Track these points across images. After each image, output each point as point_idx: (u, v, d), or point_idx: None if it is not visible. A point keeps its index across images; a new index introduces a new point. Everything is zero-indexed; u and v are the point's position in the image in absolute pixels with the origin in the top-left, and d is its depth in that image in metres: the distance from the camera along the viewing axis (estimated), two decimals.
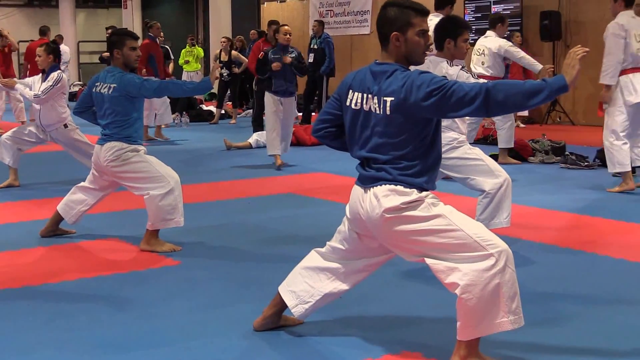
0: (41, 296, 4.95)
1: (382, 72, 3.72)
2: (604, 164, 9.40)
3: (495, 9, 16.15)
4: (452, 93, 3.52)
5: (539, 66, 9.52)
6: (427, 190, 3.72)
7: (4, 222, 7.12)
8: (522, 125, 14.76)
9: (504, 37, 10.22)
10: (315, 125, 4.16)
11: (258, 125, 13.32)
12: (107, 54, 16.83)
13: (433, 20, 9.79)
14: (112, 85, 6.03)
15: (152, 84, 6.14)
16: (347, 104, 3.84)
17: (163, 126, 14.34)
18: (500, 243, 3.53)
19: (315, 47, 15.39)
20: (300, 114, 16.09)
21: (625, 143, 8.08)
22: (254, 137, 12.59)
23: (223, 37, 17.24)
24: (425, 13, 3.77)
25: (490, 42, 9.92)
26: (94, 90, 6.17)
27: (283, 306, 4.23)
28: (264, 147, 12.23)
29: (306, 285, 4.13)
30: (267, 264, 5.67)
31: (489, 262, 3.48)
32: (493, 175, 5.63)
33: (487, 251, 3.49)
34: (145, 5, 32.14)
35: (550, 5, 15.54)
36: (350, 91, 3.83)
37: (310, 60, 15.34)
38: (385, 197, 3.67)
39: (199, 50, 21.13)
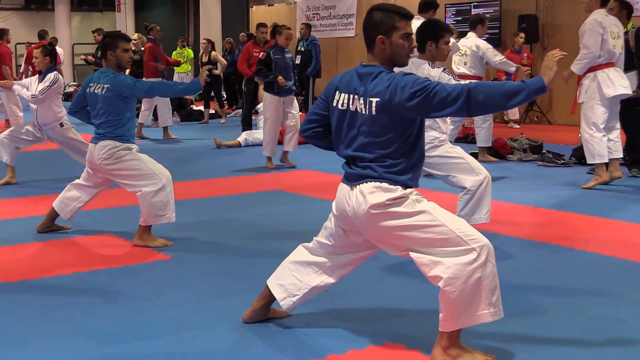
0: (38, 289, 4.92)
1: (367, 74, 3.73)
2: (579, 162, 9.47)
3: (475, 12, 16.16)
4: (435, 94, 3.53)
5: (514, 67, 9.53)
6: (411, 187, 3.73)
7: (2, 218, 7.09)
8: (515, 125, 14.74)
9: (484, 38, 10.22)
10: (303, 125, 4.17)
11: (247, 124, 13.33)
12: (91, 57, 16.91)
13: (415, 23, 9.83)
14: (106, 86, 6.01)
15: (144, 84, 6.12)
16: (334, 104, 3.85)
17: (153, 126, 14.38)
18: (481, 238, 3.55)
19: (302, 49, 15.39)
20: None
21: (605, 135, 8.12)
22: (243, 136, 12.57)
23: (204, 39, 17.07)
24: (409, 17, 3.78)
25: (471, 42, 9.93)
26: (88, 90, 6.15)
27: (271, 299, 4.23)
28: (253, 145, 12.29)
29: (294, 278, 4.14)
30: (256, 258, 5.67)
31: (471, 256, 3.49)
32: (474, 173, 5.64)
33: (469, 245, 3.51)
34: (138, 8, 32.06)
35: (528, 9, 15.57)
36: (337, 92, 3.84)
37: (298, 61, 15.34)
38: (371, 193, 3.68)
39: (189, 52, 21.04)
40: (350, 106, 3.76)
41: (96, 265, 5.47)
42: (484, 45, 9.91)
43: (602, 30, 7.92)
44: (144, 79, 13.57)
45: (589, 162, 8.35)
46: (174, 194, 6.08)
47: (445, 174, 5.71)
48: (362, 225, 3.76)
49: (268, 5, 24.47)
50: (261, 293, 4.27)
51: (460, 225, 3.59)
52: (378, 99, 3.64)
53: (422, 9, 9.21)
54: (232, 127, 15.14)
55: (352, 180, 3.80)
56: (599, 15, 8.02)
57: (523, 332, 4.09)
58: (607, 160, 8.12)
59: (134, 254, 5.77)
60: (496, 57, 9.83)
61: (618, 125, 8.38)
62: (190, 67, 21.25)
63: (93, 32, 17.86)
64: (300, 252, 4.21)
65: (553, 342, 3.96)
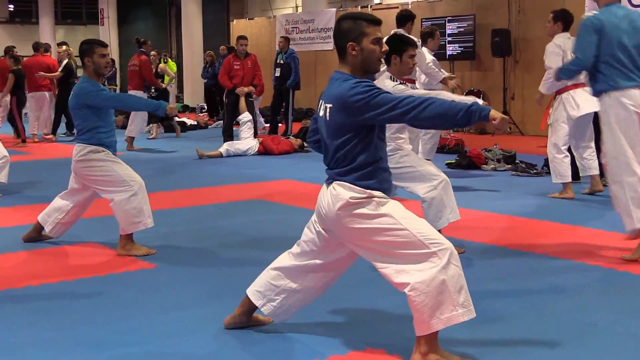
0: (24, 298, 4.89)
1: (332, 80, 3.82)
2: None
3: (449, 26, 16.28)
4: (377, 102, 3.61)
5: (441, 76, 9.26)
6: (378, 191, 3.76)
7: None
8: None
9: (434, 51, 9.96)
10: (308, 135, 4.28)
11: (228, 135, 13.34)
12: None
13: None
14: (72, 94, 6.02)
15: (107, 94, 6.07)
16: (319, 114, 3.90)
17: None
18: (443, 241, 3.60)
19: (282, 62, 15.40)
20: (268, 124, 16.11)
21: (567, 156, 8.23)
22: (225, 147, 12.57)
23: (153, 52, 16.69)
24: (377, 22, 3.81)
25: (420, 56, 9.76)
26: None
27: (251, 306, 4.22)
28: (235, 155, 12.30)
29: (269, 284, 4.14)
30: (238, 266, 5.66)
31: (432, 259, 3.54)
32: (426, 180, 5.64)
33: (429, 249, 3.56)
34: (122, 22, 32.01)
35: (501, 23, 15.68)
36: (320, 101, 3.89)
37: (277, 74, 15.37)
38: (337, 193, 3.76)
39: (172, 65, 21.04)
40: (321, 112, 3.85)
41: (81, 274, 5.44)
42: (427, 57, 9.58)
43: (562, 52, 8.01)
44: (128, 88, 13.72)
45: (553, 180, 8.41)
46: (159, 203, 6.08)
47: (401, 185, 5.73)
48: (332, 225, 3.81)
49: (248, 19, 24.52)
50: (242, 301, 4.27)
51: (422, 229, 3.63)
52: (331, 105, 3.73)
53: (399, 22, 9.21)
54: (214, 138, 15.14)
55: (327, 180, 3.89)
56: (559, 39, 8.13)
57: (497, 338, 4.11)
58: (568, 180, 8.23)
59: (119, 263, 5.74)
60: (432, 74, 9.52)
61: (592, 143, 8.42)
62: (174, 80, 21.22)
63: (59, 44, 17.81)
64: (280, 258, 4.22)
65: (527, 347, 3.98)
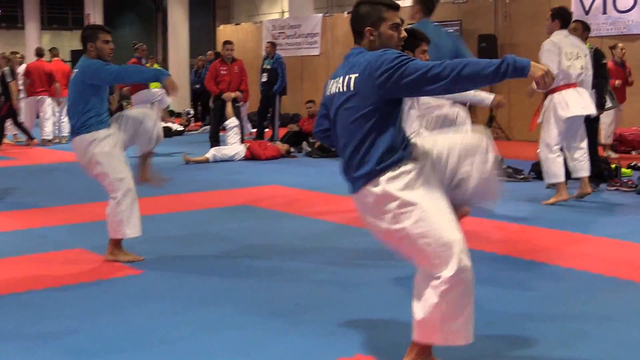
0: (9, 305, 4.83)
1: (352, 55, 3.64)
2: (538, 177, 9.50)
3: None
4: (413, 65, 3.38)
5: None
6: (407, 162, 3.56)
7: None
8: (612, 154, 12.46)
9: None
10: (315, 126, 4.05)
11: (215, 140, 13.28)
12: None
13: None
14: (75, 70, 5.90)
15: (112, 67, 5.84)
16: (332, 91, 3.68)
17: None
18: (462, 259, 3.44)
19: (268, 67, 15.36)
20: (255, 129, 16.06)
21: (559, 155, 8.17)
22: (212, 152, 12.52)
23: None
24: (396, 8, 3.64)
25: None
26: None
27: None
28: (221, 161, 12.25)
29: None
30: (224, 272, 5.61)
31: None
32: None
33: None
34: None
35: (487, 29, 15.70)
36: (331, 81, 3.71)
37: (264, 79, 15.32)
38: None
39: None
40: (339, 87, 3.61)
41: (68, 281, 5.38)
42: None
43: (558, 50, 7.98)
44: (131, 96, 13.72)
45: (546, 181, 8.41)
46: (144, 209, 6.01)
47: None
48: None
49: (235, 25, 24.46)
50: None
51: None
52: (357, 74, 3.51)
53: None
54: (201, 143, 15.08)
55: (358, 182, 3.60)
56: (557, 36, 8.08)
57: (486, 345, 4.07)
58: (562, 180, 8.16)
59: (106, 269, 5.68)
60: None
61: (583, 144, 8.38)
62: (159, 84, 21.16)
63: (50, 50, 17.79)
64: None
65: (517, 354, 3.96)
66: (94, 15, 29.18)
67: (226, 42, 13.51)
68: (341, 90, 3.58)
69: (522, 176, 9.99)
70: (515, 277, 5.43)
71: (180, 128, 18.38)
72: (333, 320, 4.48)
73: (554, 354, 3.94)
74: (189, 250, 6.30)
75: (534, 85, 8.09)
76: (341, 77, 3.60)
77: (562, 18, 8.21)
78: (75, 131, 5.85)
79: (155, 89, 15.74)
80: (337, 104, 3.60)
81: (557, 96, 8.10)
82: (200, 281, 5.37)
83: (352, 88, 3.52)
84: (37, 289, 5.17)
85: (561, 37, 8.06)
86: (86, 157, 5.83)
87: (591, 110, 8.19)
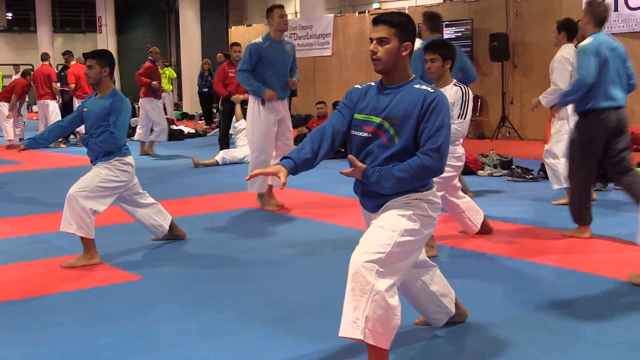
0: (5, 312, 4.85)
1: None
2: (547, 176, 9.44)
3: (447, 31, 16.24)
4: None
5: None
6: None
7: None
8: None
9: None
10: None
11: (224, 143, 13.29)
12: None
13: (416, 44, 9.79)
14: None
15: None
16: None
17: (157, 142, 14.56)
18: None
19: None
20: None
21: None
22: (221, 155, 12.54)
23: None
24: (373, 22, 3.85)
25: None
26: None
27: None
28: (230, 164, 12.28)
29: None
30: (223, 277, 5.62)
31: None
32: None
33: None
34: (121, 30, 32.06)
35: (499, 27, 15.63)
36: None
37: None
38: None
39: (171, 72, 21.06)
40: None
41: (65, 287, 5.40)
42: None
43: (570, 67, 7.93)
44: (140, 96, 13.88)
45: (556, 187, 8.31)
46: None
47: None
48: None
49: (247, 26, 24.49)
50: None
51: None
52: None
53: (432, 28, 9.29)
54: (210, 146, 15.11)
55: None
56: (566, 50, 8.00)
57: (484, 346, 4.06)
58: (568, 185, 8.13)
59: (104, 276, 5.70)
60: None
61: None
62: (171, 86, 21.26)
63: (63, 54, 17.94)
64: None
65: (514, 355, 3.93)
66: (106, 17, 29.31)
67: (234, 44, 13.52)
68: None
69: (531, 176, 9.95)
70: (516, 278, 5.40)
71: (192, 131, 18.41)
72: (330, 325, 4.46)
73: (553, 355, 3.92)
74: (191, 255, 6.31)
75: (536, 99, 8.13)
76: None
77: (568, 31, 8.13)
78: None
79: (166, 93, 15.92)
80: None
81: (571, 109, 8.01)
82: (200, 287, 5.37)
83: None
84: (34, 296, 5.19)
85: (570, 51, 7.98)
86: None
87: None
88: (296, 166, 3.71)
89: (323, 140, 3.80)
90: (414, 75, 3.80)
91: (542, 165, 9.99)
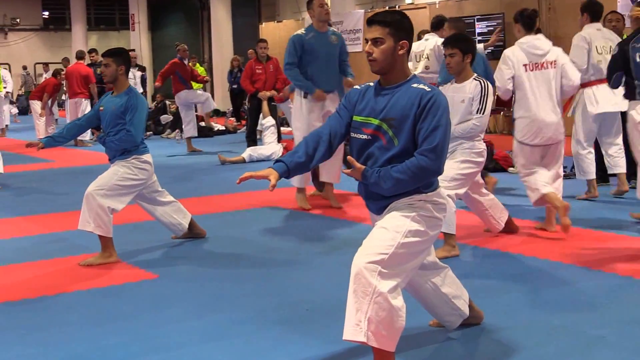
0: (17, 312, 4.85)
1: None
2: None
3: (479, 25, 16.07)
4: None
5: None
6: None
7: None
8: None
9: None
10: None
11: (252, 140, 13.27)
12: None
13: (430, 40, 9.70)
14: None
15: None
16: None
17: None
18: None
19: None
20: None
21: (590, 152, 8.06)
22: (248, 152, 12.51)
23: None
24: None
25: (432, 43, 9.66)
26: None
27: None
28: (258, 161, 12.24)
29: None
30: (239, 276, 5.59)
31: None
32: None
33: None
34: (154, 27, 32.21)
35: None
36: None
37: None
38: None
39: (202, 70, 21.10)
40: None
41: (81, 286, 5.38)
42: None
43: (588, 45, 7.82)
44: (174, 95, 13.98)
45: (577, 177, 8.24)
46: None
47: None
48: None
49: (277, 22, 24.47)
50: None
51: None
52: None
53: (434, 27, 9.23)
54: (240, 143, 15.10)
55: None
56: (587, 30, 7.94)
57: (496, 349, 3.96)
58: (591, 177, 8.09)
59: (120, 274, 5.69)
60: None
61: (618, 140, 8.20)
62: (201, 85, 21.27)
63: (89, 52, 18.05)
64: None
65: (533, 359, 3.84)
66: (138, 15, 29.47)
67: (260, 41, 13.47)
68: None
69: (563, 173, 9.75)
70: (539, 279, 5.28)
71: (222, 128, 18.42)
72: (342, 327, 4.39)
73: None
74: (209, 254, 6.28)
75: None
76: None
77: (590, 11, 8.06)
78: None
79: (199, 90, 15.88)
80: None
81: (587, 91, 7.97)
82: (214, 286, 5.33)
83: None
84: (49, 294, 5.19)
85: (592, 31, 7.90)
86: None
87: (624, 106, 7.98)
88: (288, 170, 3.71)
89: (319, 144, 3.76)
90: (413, 74, 3.73)
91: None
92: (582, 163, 8.05)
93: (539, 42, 6.71)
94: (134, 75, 17.23)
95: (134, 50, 19.84)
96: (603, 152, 8.22)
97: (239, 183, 3.72)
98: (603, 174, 8.63)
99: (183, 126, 14.59)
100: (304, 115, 7.97)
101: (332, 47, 8.03)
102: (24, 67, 31.40)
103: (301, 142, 3.79)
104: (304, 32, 8.00)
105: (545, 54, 6.67)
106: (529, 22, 6.80)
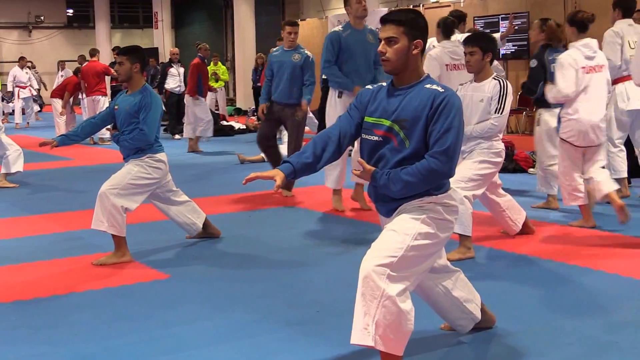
0: (28, 311, 4.88)
1: None
2: None
3: (503, 25, 15.95)
4: None
5: None
6: None
7: (10, 237, 7.07)
8: None
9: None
10: None
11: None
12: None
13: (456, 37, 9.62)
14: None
15: None
16: None
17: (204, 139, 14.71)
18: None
19: None
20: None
21: (622, 150, 7.98)
22: None
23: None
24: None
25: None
26: None
27: None
28: None
29: None
30: (251, 277, 5.58)
31: None
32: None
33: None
34: (178, 25, 32.31)
35: (557, 19, 15.25)
36: None
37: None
38: None
39: (223, 69, 21.13)
40: None
41: (93, 285, 5.41)
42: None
43: (620, 40, 7.76)
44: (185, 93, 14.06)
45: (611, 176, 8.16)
46: None
47: None
48: None
49: (300, 20, 24.45)
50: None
51: None
52: None
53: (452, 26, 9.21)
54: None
55: None
56: (619, 25, 7.88)
57: (507, 354, 3.93)
58: (622, 176, 7.97)
59: (132, 274, 5.70)
60: None
61: None
62: (223, 82, 21.32)
63: (113, 49, 18.14)
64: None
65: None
66: (162, 13, 29.58)
67: (280, 40, 13.45)
68: None
69: None
70: (555, 282, 5.23)
71: (243, 127, 18.43)
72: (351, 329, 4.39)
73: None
74: (223, 254, 6.28)
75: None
76: None
77: (622, 7, 8.01)
78: None
79: (219, 88, 15.88)
80: None
81: (619, 87, 7.89)
82: (227, 286, 5.33)
83: None
84: (60, 294, 5.21)
85: (624, 26, 7.84)
86: None
87: None
88: (295, 171, 3.69)
89: (328, 144, 3.73)
90: (426, 74, 3.69)
91: None
92: (613, 161, 7.95)
93: (593, 44, 6.69)
94: (178, 72, 17.24)
95: (176, 48, 19.83)
96: (636, 150, 8.12)
97: (245, 184, 3.70)
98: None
99: (197, 126, 14.62)
100: (338, 114, 7.91)
101: (369, 45, 7.88)
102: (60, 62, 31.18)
103: (310, 142, 3.77)
104: (340, 29, 7.92)
105: (596, 57, 6.67)
106: (582, 25, 6.78)
